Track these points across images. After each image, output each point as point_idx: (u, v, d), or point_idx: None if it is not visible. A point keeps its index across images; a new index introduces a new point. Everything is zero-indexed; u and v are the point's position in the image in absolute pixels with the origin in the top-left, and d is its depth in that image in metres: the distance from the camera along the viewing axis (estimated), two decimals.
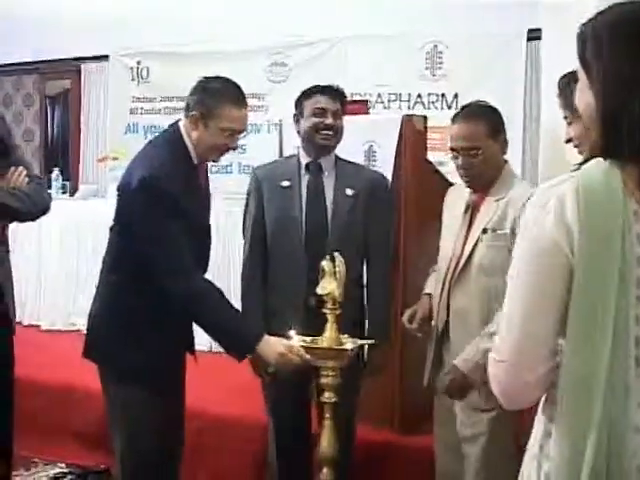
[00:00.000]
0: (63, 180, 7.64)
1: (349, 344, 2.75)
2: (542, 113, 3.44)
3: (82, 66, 8.32)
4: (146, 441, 2.92)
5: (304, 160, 3.23)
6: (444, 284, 2.97)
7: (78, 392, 4.72)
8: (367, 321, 3.25)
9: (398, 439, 3.84)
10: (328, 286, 2.73)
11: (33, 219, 3.27)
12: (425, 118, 4.01)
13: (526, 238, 1.51)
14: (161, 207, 2.76)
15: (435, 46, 6.97)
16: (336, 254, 2.77)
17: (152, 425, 2.92)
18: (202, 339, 3.33)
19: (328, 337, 2.74)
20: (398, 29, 6.82)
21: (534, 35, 6.56)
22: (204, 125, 2.84)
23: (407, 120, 3.86)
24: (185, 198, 2.82)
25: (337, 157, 3.30)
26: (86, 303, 5.92)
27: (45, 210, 3.27)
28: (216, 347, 4.14)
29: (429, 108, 6.87)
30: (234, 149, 2.95)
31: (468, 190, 3.00)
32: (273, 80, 7.38)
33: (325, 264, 2.76)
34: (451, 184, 4.03)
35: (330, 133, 3.19)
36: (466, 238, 2.93)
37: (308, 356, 2.75)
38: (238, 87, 2.92)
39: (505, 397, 1.56)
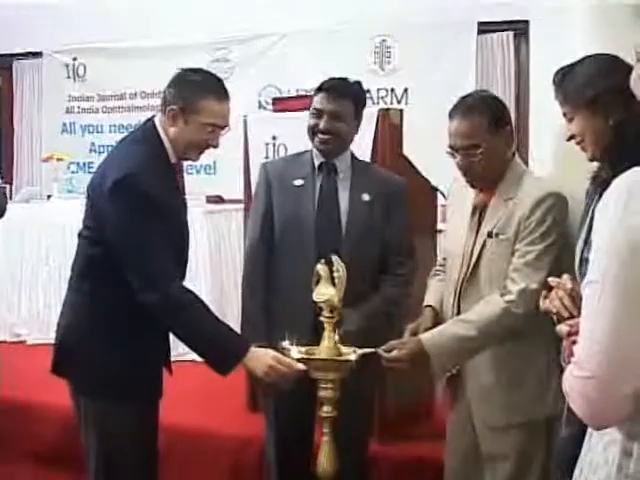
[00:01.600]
0: (3, 183, 7.32)
1: (351, 355, 2.56)
2: (531, 107, 3.31)
3: (14, 63, 8.01)
4: (122, 459, 2.74)
5: (317, 160, 3.02)
6: (455, 292, 2.74)
7: (33, 408, 4.48)
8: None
9: (380, 449, 3.69)
10: (326, 292, 2.55)
11: None
12: (401, 112, 3.86)
13: (614, 234, 1.36)
14: (138, 209, 2.55)
15: (384, 40, 6.88)
16: (334, 257, 2.58)
17: (129, 442, 2.73)
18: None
19: (326, 347, 2.56)
20: (345, 23, 6.72)
21: (484, 28, 6.54)
22: (184, 120, 2.62)
23: (383, 114, 3.72)
24: (164, 199, 2.61)
25: (353, 157, 3.09)
26: (30, 312, 5.82)
27: (1, 214, 2.99)
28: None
29: (378, 103, 6.77)
30: (215, 147, 2.72)
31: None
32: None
33: (320, 268, 2.58)
34: (426, 180, 3.95)
35: (325, 137, 2.94)
36: (474, 243, 2.70)
37: (301, 366, 2.56)
38: (219, 80, 2.72)
39: (595, 416, 1.43)
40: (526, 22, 6.42)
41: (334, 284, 2.56)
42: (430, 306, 2.87)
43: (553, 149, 3.14)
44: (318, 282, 2.59)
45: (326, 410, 2.56)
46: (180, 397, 3.19)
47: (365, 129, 3.66)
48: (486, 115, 2.61)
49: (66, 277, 2.88)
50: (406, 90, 6.78)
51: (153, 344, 2.79)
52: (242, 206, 4.36)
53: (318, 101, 2.96)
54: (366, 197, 2.96)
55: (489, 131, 2.60)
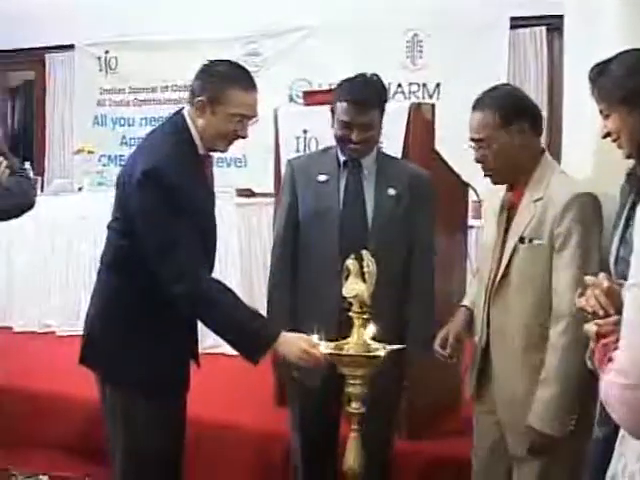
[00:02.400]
0: (35, 175, 7.37)
1: (379, 351, 2.54)
2: (564, 103, 3.26)
3: (46, 56, 8.03)
4: (148, 450, 2.74)
5: (342, 156, 3.00)
6: (485, 297, 2.65)
7: (58, 399, 4.50)
8: (408, 332, 2.97)
9: (408, 446, 3.67)
10: (356, 287, 2.53)
11: (16, 216, 2.97)
12: (433, 106, 3.82)
13: None
14: (167, 202, 2.55)
15: (415, 34, 6.84)
16: (364, 252, 2.55)
17: (155, 433, 2.73)
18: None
19: (355, 343, 2.53)
20: (378, 17, 6.68)
21: (517, 23, 6.49)
22: (211, 111, 2.62)
23: (415, 109, 3.69)
24: (193, 192, 2.62)
25: (378, 151, 3.06)
26: (60, 303, 5.85)
27: (30, 206, 2.99)
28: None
29: (410, 98, 6.74)
30: (243, 137, 2.69)
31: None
32: (250, 70, 7.13)
33: (350, 263, 2.55)
34: (457, 175, 3.92)
35: (357, 147, 2.91)
36: (503, 247, 2.60)
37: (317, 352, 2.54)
38: (246, 70, 2.72)
39: (638, 424, 1.39)
40: (559, 17, 6.37)
41: (364, 279, 2.54)
42: (464, 306, 2.83)
43: (587, 146, 3.08)
44: (347, 277, 2.57)
45: (354, 406, 2.53)
46: (208, 390, 3.19)
47: (397, 124, 3.67)
48: (495, 109, 2.53)
49: (96, 269, 2.90)
50: (438, 85, 6.74)
51: (180, 336, 2.79)
52: (272, 200, 4.34)
53: (345, 113, 2.87)
54: (392, 192, 2.93)
55: (498, 125, 2.53)
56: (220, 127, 2.64)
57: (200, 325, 2.83)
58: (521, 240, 2.50)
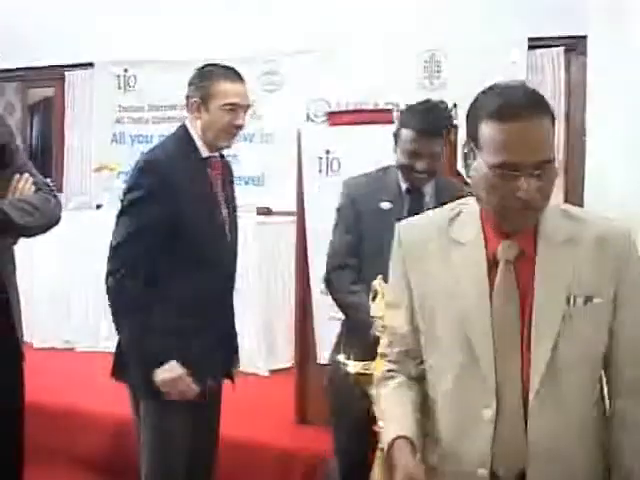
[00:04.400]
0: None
1: None
2: (588, 123, 3.27)
3: (66, 74, 8.07)
4: (173, 460, 2.89)
5: (404, 183, 3.00)
6: (513, 403, 1.95)
7: (80, 415, 4.53)
8: None
9: None
10: (382, 307, 2.54)
11: (42, 233, 3.01)
12: (456, 127, 3.85)
13: None
14: (144, 187, 2.78)
15: (433, 54, 6.86)
16: None
17: (181, 444, 2.88)
18: None
19: (379, 363, 2.55)
20: (395, 37, 6.69)
21: (535, 44, 6.50)
22: (205, 109, 2.86)
23: None
24: (183, 186, 2.79)
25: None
26: (80, 320, 5.88)
27: (56, 223, 3.04)
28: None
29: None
30: (240, 127, 2.92)
31: None
32: (266, 89, 7.19)
33: (376, 283, 2.58)
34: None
35: (421, 177, 2.94)
36: (523, 318, 1.85)
37: (194, 387, 2.82)
38: (231, 67, 2.98)
39: None
40: (577, 38, 6.40)
41: None
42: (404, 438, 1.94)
43: (614, 167, 3.08)
44: (375, 298, 2.59)
45: (380, 425, 2.56)
46: (228, 408, 3.21)
47: None
48: (552, 116, 1.84)
49: None
50: (455, 105, 6.74)
51: (206, 347, 2.89)
52: (292, 218, 4.38)
53: (412, 142, 2.89)
54: None
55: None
56: (216, 121, 2.86)
57: None
58: (569, 301, 1.78)
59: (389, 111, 4.38)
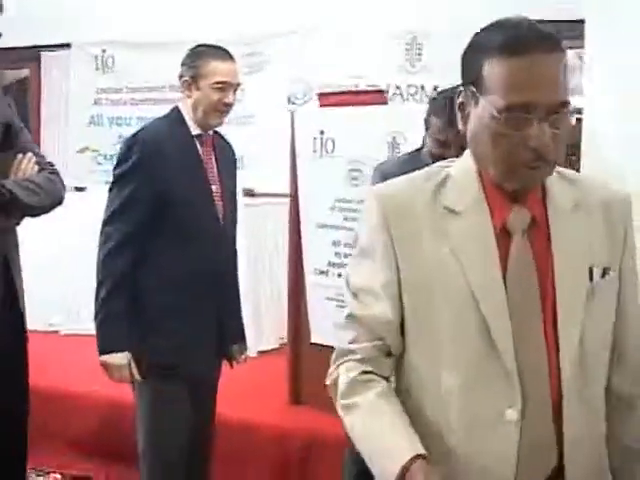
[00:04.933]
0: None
1: None
2: (585, 110, 3.29)
3: (42, 54, 7.98)
4: (166, 438, 2.91)
5: None
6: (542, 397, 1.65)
7: (70, 397, 4.50)
8: None
9: None
10: None
11: (46, 212, 3.00)
12: None
13: None
14: (131, 160, 2.84)
15: (414, 37, 6.86)
16: None
17: (176, 425, 2.91)
18: None
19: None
20: (377, 20, 6.69)
21: None
22: (196, 87, 2.92)
23: None
24: (170, 160, 2.85)
25: None
26: (64, 303, 5.81)
27: (60, 202, 3.03)
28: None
29: (408, 100, 6.76)
30: (230, 105, 2.98)
31: None
32: (246, 71, 7.14)
33: None
34: None
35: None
36: (545, 296, 1.60)
37: (136, 374, 2.86)
38: (221, 47, 3.07)
39: None
40: (560, 21, 6.43)
41: None
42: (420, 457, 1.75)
43: (609, 151, 3.11)
44: None
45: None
46: (219, 390, 3.22)
47: (415, 125, 3.70)
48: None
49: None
50: (436, 88, 6.75)
51: (204, 322, 2.96)
52: (277, 200, 4.38)
53: (443, 131, 2.88)
54: None
55: None
56: (206, 99, 2.92)
57: None
58: (591, 275, 1.56)
59: (382, 92, 4.39)
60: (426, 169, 1.68)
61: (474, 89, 1.50)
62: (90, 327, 5.66)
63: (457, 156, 2.78)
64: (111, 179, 2.94)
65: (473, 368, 1.49)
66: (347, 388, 1.55)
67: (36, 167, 2.89)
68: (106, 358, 2.85)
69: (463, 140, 2.74)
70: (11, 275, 2.90)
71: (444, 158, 2.84)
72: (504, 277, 1.50)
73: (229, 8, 6.99)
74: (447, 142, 2.86)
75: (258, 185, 6.11)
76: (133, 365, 2.86)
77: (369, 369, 1.55)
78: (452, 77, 5.86)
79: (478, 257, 1.51)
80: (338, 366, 1.59)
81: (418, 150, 3.12)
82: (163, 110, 6.47)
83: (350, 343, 1.58)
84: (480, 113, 1.49)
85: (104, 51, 7.71)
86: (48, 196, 2.88)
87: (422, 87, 6.81)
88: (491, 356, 1.48)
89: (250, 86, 6.85)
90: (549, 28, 1.44)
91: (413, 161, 3.01)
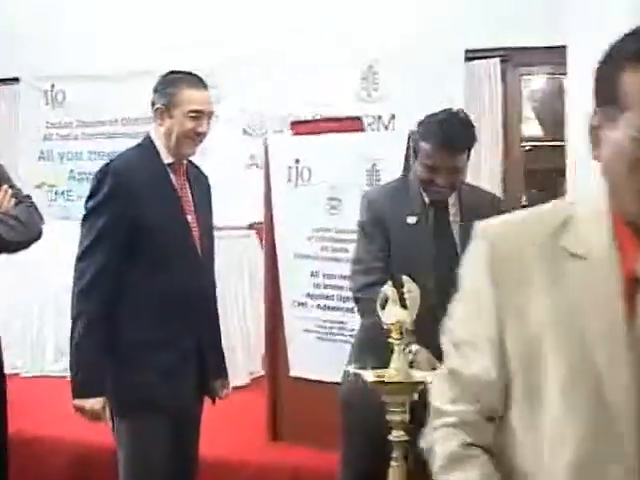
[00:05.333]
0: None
1: (421, 377, 2.50)
2: (569, 129, 3.28)
3: None
4: (149, 477, 2.82)
5: (426, 197, 2.88)
6: None
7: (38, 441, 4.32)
8: None
9: None
10: (396, 313, 2.49)
11: (25, 248, 2.87)
12: None
13: None
14: (102, 192, 2.71)
15: (371, 66, 6.88)
16: (405, 278, 2.52)
17: (157, 464, 2.80)
18: None
19: (395, 370, 2.49)
20: (333, 50, 6.70)
21: (471, 55, 6.60)
22: (169, 116, 2.81)
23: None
24: (143, 189, 2.75)
25: None
26: (25, 344, 5.62)
27: (38, 236, 2.90)
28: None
29: (365, 130, 6.74)
30: (204, 135, 2.87)
31: None
32: None
33: (388, 289, 2.52)
34: None
35: (444, 191, 2.81)
36: None
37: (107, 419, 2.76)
38: (195, 74, 2.91)
39: None
40: (512, 49, 6.54)
41: (403, 305, 2.51)
42: None
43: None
44: (385, 304, 2.54)
45: (396, 434, 2.50)
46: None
47: (394, 152, 3.70)
48: None
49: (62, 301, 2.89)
50: (393, 116, 6.78)
51: (179, 361, 2.83)
52: (242, 232, 4.31)
53: (433, 157, 2.75)
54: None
55: None
56: (180, 127, 2.79)
57: None
58: None
59: (358, 119, 4.35)
60: (541, 208, 1.45)
61: (610, 108, 1.28)
62: (53, 369, 5.54)
63: (448, 183, 2.76)
64: (79, 213, 2.86)
65: (586, 439, 1.28)
66: (447, 462, 1.39)
67: (13, 200, 2.76)
68: (80, 403, 2.73)
69: (454, 165, 2.75)
70: None
71: (434, 183, 2.81)
72: (628, 335, 1.28)
73: (182, 40, 6.92)
74: (437, 167, 2.77)
75: (217, 218, 6.00)
76: (107, 408, 2.75)
77: (469, 440, 1.38)
78: (408, 105, 5.93)
79: (599, 308, 1.30)
80: (434, 429, 1.43)
81: (405, 176, 3.05)
82: (116, 144, 6.42)
83: (448, 403, 1.42)
84: (617, 136, 1.26)
85: (53, 86, 7.57)
86: (29, 231, 2.76)
87: (379, 116, 6.82)
88: (606, 423, 1.27)
89: None
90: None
91: (401, 188, 2.96)
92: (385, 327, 2.51)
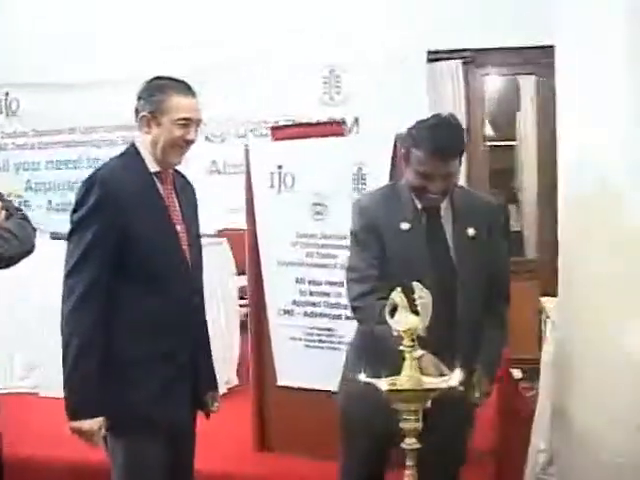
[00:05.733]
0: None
1: (435, 383, 2.47)
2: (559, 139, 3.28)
3: None
4: None
5: (418, 203, 2.82)
6: None
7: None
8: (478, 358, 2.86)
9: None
10: (407, 320, 2.45)
11: (17, 262, 2.75)
12: None
13: None
14: (88, 204, 2.61)
15: (333, 70, 6.86)
16: (416, 284, 2.47)
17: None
18: None
19: (408, 377, 2.46)
20: (295, 54, 6.67)
21: (434, 57, 6.62)
22: (156, 123, 2.70)
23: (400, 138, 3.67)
24: (130, 199, 2.65)
25: None
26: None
27: (32, 250, 2.79)
28: None
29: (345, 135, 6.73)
30: (192, 142, 2.77)
31: None
32: None
33: (396, 296, 2.48)
34: None
35: (436, 197, 2.76)
36: None
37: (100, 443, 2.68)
38: (182, 80, 2.80)
39: None
40: (475, 50, 6.59)
41: (414, 312, 2.48)
42: None
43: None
44: (394, 311, 2.50)
45: (409, 442, 2.46)
46: None
47: (380, 155, 3.68)
48: None
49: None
50: (357, 119, 6.76)
51: (173, 376, 2.75)
52: (211, 240, 4.22)
53: (425, 164, 2.69)
54: (471, 232, 2.79)
55: None
56: (167, 135, 2.69)
57: None
58: None
59: (340, 123, 4.31)
60: None
61: None
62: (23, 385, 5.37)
63: (441, 189, 2.74)
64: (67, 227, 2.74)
65: None
66: None
67: (3, 212, 2.65)
68: (78, 424, 2.63)
69: (448, 171, 2.72)
70: None
71: (426, 190, 2.78)
72: None
73: (140, 48, 6.84)
74: (429, 174, 2.70)
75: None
76: (104, 429, 2.67)
77: None
78: (371, 108, 5.93)
79: None
80: None
81: (394, 182, 3.01)
82: (73, 153, 6.29)
83: None
84: None
85: (7, 94, 7.41)
86: (23, 244, 2.64)
87: (343, 120, 6.78)
88: None
89: None
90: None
91: (392, 194, 2.90)
92: (395, 334, 2.48)
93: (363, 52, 6.60)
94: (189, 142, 2.75)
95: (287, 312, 3.94)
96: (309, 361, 3.88)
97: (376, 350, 2.73)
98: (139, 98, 2.77)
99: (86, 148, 7.23)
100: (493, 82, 7.34)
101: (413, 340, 2.43)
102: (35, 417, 4.69)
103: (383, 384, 2.46)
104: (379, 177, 3.57)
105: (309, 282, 3.89)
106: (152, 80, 2.81)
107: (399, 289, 2.48)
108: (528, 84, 7.05)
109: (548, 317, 4.20)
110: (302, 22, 6.70)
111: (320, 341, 3.90)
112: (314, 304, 3.89)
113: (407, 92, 6.47)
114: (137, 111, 2.76)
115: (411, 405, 2.44)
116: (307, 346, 3.92)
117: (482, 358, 2.83)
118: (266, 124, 6.65)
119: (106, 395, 2.64)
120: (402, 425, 2.43)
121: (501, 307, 2.93)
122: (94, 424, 2.62)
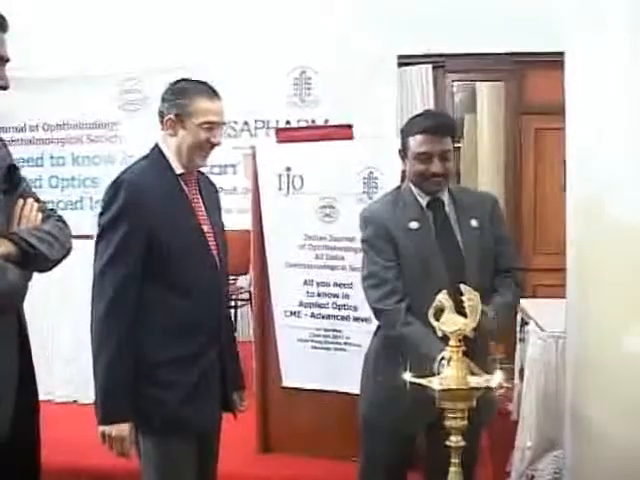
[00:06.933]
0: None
1: (488, 382, 2.54)
2: (567, 140, 3.37)
3: None
4: None
5: (422, 199, 2.98)
6: None
7: None
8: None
9: None
10: (455, 321, 2.52)
11: (56, 266, 2.71)
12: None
13: None
14: (115, 207, 2.67)
15: (303, 72, 6.86)
16: (464, 287, 2.54)
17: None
18: None
19: (456, 377, 2.53)
20: (264, 55, 6.64)
21: (404, 61, 6.70)
22: (182, 126, 2.77)
23: None
24: (157, 202, 2.70)
25: None
26: None
27: (69, 252, 2.75)
28: None
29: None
30: (217, 145, 2.84)
31: None
32: (125, 109, 6.88)
33: (443, 298, 2.55)
34: None
35: (439, 180, 2.93)
36: None
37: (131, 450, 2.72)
38: (207, 83, 2.91)
39: None
40: (445, 56, 6.69)
41: (460, 313, 2.54)
42: None
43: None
44: (440, 312, 2.56)
45: (455, 440, 2.53)
46: None
47: (391, 159, 3.68)
48: None
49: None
50: (327, 122, 6.78)
51: (204, 377, 2.78)
52: None
53: (422, 144, 2.89)
54: (474, 223, 2.96)
55: None
56: (193, 139, 2.75)
57: None
58: None
59: (348, 127, 4.34)
60: None
61: None
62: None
63: (441, 170, 2.86)
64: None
65: None
66: None
67: (40, 214, 2.60)
68: (108, 429, 2.64)
69: (443, 148, 2.86)
70: (27, 345, 2.55)
71: (428, 173, 2.89)
72: None
73: (105, 44, 6.72)
74: (427, 153, 2.89)
75: None
76: (133, 436, 2.70)
77: None
78: (341, 110, 5.95)
79: None
80: None
81: (397, 188, 3.11)
82: (36, 151, 6.15)
83: None
84: None
85: None
86: (63, 247, 2.59)
87: (313, 121, 6.80)
88: None
89: (130, 126, 6.63)
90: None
91: (396, 199, 3.04)
92: (440, 334, 2.55)
93: (334, 55, 6.62)
94: (214, 145, 2.80)
95: (294, 313, 3.97)
96: (316, 362, 3.92)
97: (400, 353, 2.81)
98: (163, 100, 2.82)
99: (50, 146, 7.08)
100: (462, 87, 7.45)
101: (460, 341, 2.51)
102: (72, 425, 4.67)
103: (435, 384, 2.53)
104: (390, 181, 3.63)
105: (317, 284, 3.93)
106: (177, 82, 2.86)
107: (445, 291, 2.56)
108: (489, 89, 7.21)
109: (530, 318, 4.31)
110: (272, 22, 6.70)
111: (327, 342, 3.94)
112: (321, 305, 3.93)
113: (377, 96, 6.51)
114: (161, 113, 2.80)
115: (458, 404, 2.53)
116: (313, 347, 3.96)
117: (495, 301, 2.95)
118: (236, 124, 6.62)
119: (136, 397, 2.65)
120: (448, 423, 2.52)
121: (510, 296, 3.05)
122: (124, 429, 2.61)
